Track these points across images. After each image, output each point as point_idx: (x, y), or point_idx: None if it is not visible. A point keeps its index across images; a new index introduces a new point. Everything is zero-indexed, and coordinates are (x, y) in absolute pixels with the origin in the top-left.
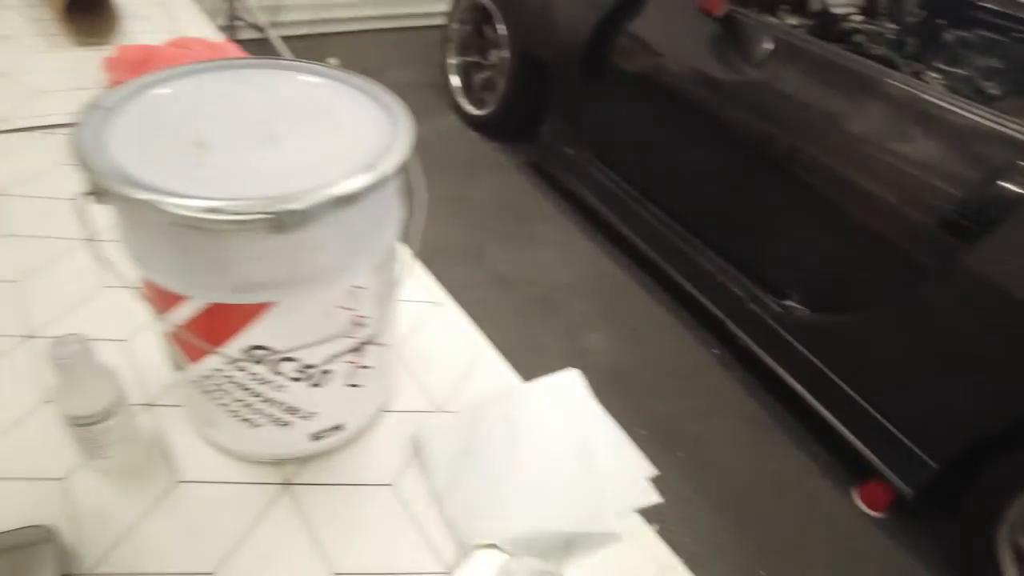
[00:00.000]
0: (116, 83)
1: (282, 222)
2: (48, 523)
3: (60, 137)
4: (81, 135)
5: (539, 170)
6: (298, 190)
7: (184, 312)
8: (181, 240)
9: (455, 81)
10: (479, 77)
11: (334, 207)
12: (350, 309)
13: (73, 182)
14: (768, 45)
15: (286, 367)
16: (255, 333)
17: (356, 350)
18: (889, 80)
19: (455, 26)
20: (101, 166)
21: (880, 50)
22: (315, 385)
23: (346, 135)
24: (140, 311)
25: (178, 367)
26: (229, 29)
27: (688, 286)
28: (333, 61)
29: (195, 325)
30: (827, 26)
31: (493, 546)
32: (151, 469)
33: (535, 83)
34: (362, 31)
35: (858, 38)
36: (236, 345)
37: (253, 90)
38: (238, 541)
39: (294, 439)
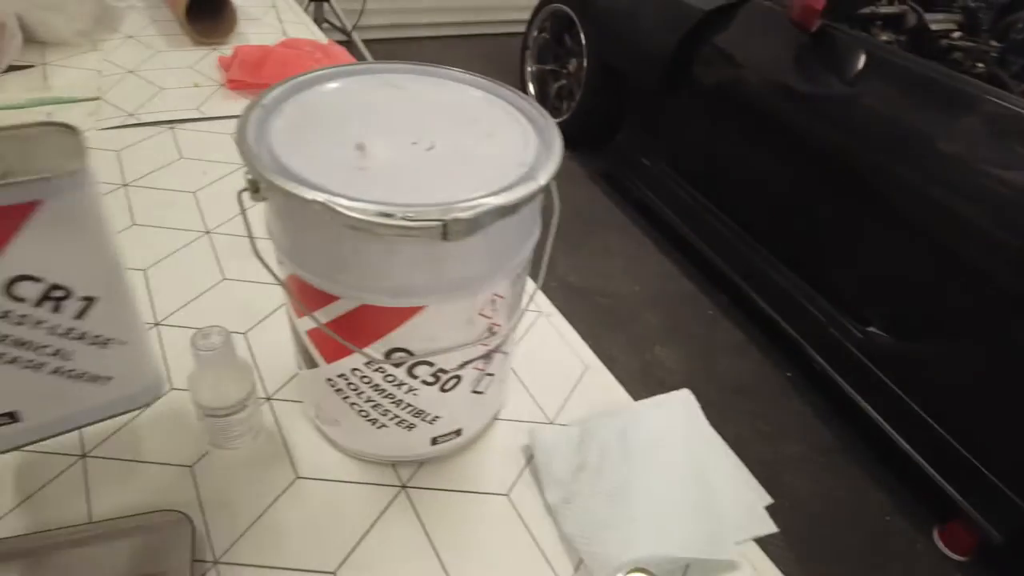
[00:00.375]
0: (232, 81)
1: (450, 230)
2: (180, 508)
3: (180, 132)
4: (244, 133)
5: (612, 180)
6: (463, 198)
7: (333, 312)
8: (343, 242)
9: (531, 89)
10: (555, 85)
11: (498, 216)
12: (488, 317)
13: (194, 176)
14: (862, 61)
15: (421, 371)
16: (399, 336)
17: (485, 357)
18: (995, 99)
19: (534, 34)
20: (269, 164)
21: (981, 69)
22: (444, 390)
23: (496, 143)
24: (259, 304)
25: (309, 364)
26: None
27: (764, 305)
28: None
29: (341, 325)
30: (923, 43)
31: (643, 570)
32: (274, 463)
33: (612, 92)
34: (441, 37)
35: (957, 56)
36: (379, 347)
37: (403, 94)
38: (357, 541)
39: (415, 442)
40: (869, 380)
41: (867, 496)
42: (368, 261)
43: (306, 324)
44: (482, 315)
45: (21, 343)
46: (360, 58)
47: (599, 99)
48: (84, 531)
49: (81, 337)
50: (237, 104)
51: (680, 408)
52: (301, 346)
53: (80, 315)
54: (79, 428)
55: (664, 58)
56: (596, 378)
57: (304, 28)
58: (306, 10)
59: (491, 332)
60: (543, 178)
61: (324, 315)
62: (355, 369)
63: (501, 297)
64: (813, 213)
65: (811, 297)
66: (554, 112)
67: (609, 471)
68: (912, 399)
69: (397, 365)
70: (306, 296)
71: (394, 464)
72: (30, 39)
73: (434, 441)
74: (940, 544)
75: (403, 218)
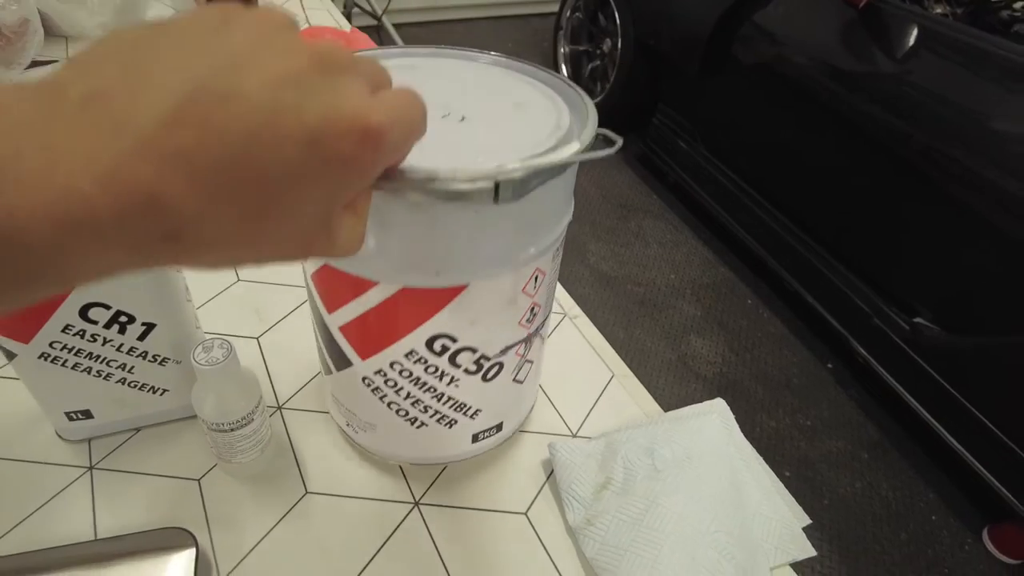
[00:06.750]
0: None
1: (502, 190)
2: (180, 524)
3: None
4: None
5: (647, 163)
6: (510, 159)
7: (370, 300)
8: (383, 218)
9: (564, 70)
10: (589, 66)
11: (548, 176)
12: (531, 296)
13: None
14: (914, 36)
15: (464, 358)
16: (441, 321)
17: (526, 341)
18: None
19: (568, 14)
20: None
21: None
22: (486, 379)
23: (528, 112)
24: (269, 307)
25: (342, 365)
26: (346, 16)
27: (805, 294)
28: None
29: (380, 313)
30: (982, 15)
31: None
32: (282, 478)
33: (648, 73)
34: (474, 19)
35: (1019, 28)
36: (420, 335)
37: (422, 74)
38: (367, 562)
39: (456, 439)
40: (916, 374)
41: (913, 494)
42: (409, 236)
43: (339, 319)
44: (525, 293)
45: (93, 356)
46: (390, 42)
47: (634, 80)
48: (85, 550)
49: (142, 355)
50: None
51: (714, 420)
52: (332, 346)
53: (142, 337)
54: (141, 428)
55: (702, 37)
56: (624, 387)
57: (327, 15)
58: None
59: (532, 313)
60: (586, 138)
61: (361, 305)
62: (394, 363)
63: (543, 273)
64: (859, 198)
65: (855, 286)
66: (587, 93)
67: (635, 490)
68: (962, 394)
69: (439, 354)
70: (340, 287)
71: (430, 466)
72: (52, 33)
73: (475, 438)
74: (990, 546)
75: (452, 179)
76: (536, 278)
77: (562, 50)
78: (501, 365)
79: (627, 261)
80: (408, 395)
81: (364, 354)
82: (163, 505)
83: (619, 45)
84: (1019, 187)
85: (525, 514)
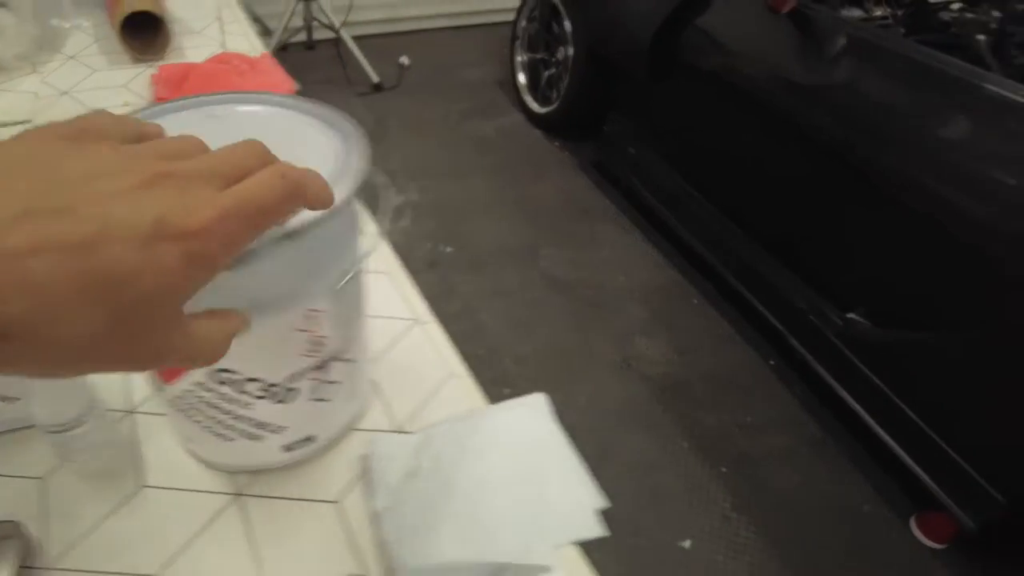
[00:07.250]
0: (160, 99)
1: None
2: (19, 519)
3: None
4: None
5: (602, 169)
6: None
7: None
8: None
9: (521, 79)
10: (546, 74)
11: (280, 243)
12: (307, 331)
13: None
14: (840, 42)
15: (251, 387)
16: None
17: (320, 367)
18: (982, 82)
19: (523, 23)
20: None
21: (979, 44)
22: (280, 402)
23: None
24: None
25: (156, 387)
26: (305, 29)
27: (745, 292)
28: (404, 60)
29: None
30: (920, 17)
31: None
32: (120, 473)
33: (599, 80)
34: (434, 29)
35: (954, 29)
36: (200, 370)
37: (224, 126)
38: (182, 548)
39: (267, 451)
40: (848, 368)
41: (848, 486)
42: None
43: None
44: (299, 330)
45: None
46: (349, 56)
47: (586, 87)
48: None
49: None
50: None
51: (527, 412)
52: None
53: None
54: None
55: (646, 43)
56: (458, 387)
57: (244, 40)
58: (294, 11)
59: (317, 344)
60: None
61: None
62: (188, 390)
63: (320, 311)
64: (797, 199)
65: (793, 284)
66: (544, 101)
67: (438, 477)
68: (889, 387)
69: (225, 383)
70: None
71: (253, 472)
72: None
73: (287, 449)
74: (917, 532)
75: None
76: (310, 317)
77: (519, 58)
78: (294, 390)
79: (580, 265)
80: (210, 416)
81: (166, 380)
82: (8, 502)
83: (571, 53)
84: (946, 189)
85: (338, 503)
